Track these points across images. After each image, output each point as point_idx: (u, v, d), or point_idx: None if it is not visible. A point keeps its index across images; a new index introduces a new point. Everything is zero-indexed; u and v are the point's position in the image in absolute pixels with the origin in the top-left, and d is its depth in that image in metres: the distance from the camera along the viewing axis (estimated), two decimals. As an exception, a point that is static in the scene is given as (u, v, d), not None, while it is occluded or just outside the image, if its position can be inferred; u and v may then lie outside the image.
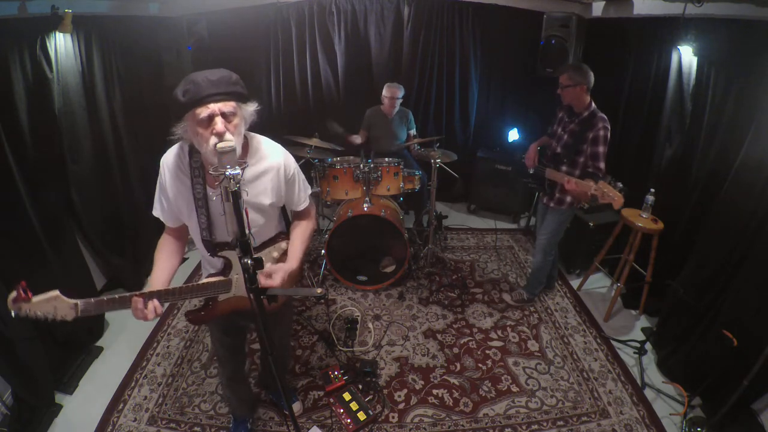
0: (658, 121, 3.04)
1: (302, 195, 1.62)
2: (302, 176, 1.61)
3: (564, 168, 2.63)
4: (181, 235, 1.56)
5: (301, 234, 1.63)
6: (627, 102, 3.47)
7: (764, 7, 2.24)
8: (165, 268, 1.47)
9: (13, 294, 1.14)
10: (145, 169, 3.20)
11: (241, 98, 1.29)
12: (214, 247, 1.45)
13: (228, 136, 1.22)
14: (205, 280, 1.44)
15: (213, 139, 1.22)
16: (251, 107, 1.34)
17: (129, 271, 3.16)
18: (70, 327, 2.48)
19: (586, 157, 2.54)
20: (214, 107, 1.21)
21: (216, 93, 1.21)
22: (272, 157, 1.48)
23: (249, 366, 2.55)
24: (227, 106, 1.24)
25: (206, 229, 1.42)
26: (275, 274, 1.43)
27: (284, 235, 1.64)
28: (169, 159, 1.42)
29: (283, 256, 1.60)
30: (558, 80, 2.58)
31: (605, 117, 2.50)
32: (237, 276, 1.48)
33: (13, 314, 1.16)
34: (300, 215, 1.68)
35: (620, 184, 2.25)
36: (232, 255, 1.45)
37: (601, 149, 2.48)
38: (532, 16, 3.97)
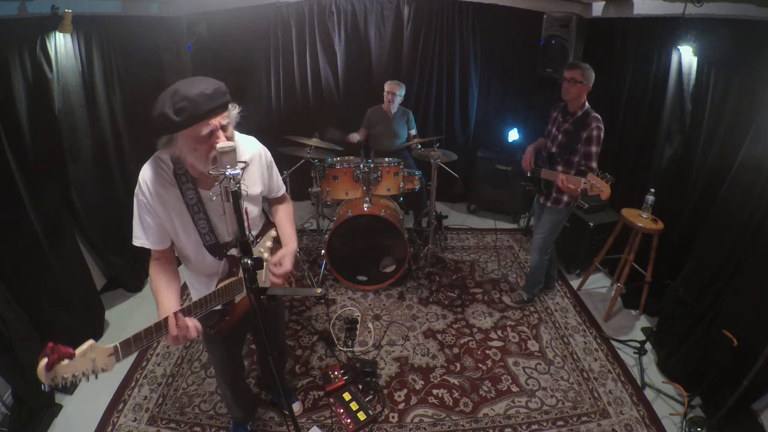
0: (658, 121, 3.04)
1: (280, 180, 1.69)
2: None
3: (560, 168, 2.64)
4: (172, 256, 1.47)
5: (286, 216, 1.72)
6: (627, 102, 3.47)
7: (764, 7, 2.24)
8: (171, 295, 1.36)
9: (44, 361, 0.91)
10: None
11: (229, 105, 1.28)
12: (221, 249, 1.43)
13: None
14: (222, 284, 1.39)
15: (213, 153, 1.21)
16: (236, 110, 1.32)
17: (129, 271, 3.17)
18: (70, 327, 2.51)
19: (581, 157, 2.56)
20: (215, 122, 1.19)
21: (215, 107, 1.18)
22: (251, 147, 1.53)
23: (248, 366, 2.56)
24: (224, 118, 1.22)
25: (209, 233, 1.40)
26: (284, 259, 1.52)
27: (271, 224, 1.71)
28: (150, 175, 1.32)
29: (276, 243, 1.66)
30: (562, 74, 2.56)
31: (599, 117, 2.51)
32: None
33: (45, 387, 0.93)
34: (279, 200, 1.74)
35: (608, 175, 2.29)
36: (235, 252, 1.44)
37: (594, 149, 2.49)
38: (532, 16, 3.98)
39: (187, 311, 1.24)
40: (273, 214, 1.75)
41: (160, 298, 1.34)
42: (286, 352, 2.40)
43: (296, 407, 2.29)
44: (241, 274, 1.44)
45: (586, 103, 2.57)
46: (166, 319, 1.18)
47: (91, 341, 1.00)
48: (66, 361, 0.95)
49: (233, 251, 1.44)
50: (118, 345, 1.05)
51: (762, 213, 2.09)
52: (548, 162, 2.72)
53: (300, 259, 3.48)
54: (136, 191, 1.34)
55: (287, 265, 1.53)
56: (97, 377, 1.01)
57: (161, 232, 1.38)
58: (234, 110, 1.30)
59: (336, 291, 3.29)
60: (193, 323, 1.23)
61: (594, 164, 2.50)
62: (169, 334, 1.19)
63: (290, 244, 1.62)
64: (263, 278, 1.58)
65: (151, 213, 1.34)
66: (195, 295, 1.60)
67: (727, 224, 2.29)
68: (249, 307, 1.53)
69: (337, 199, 3.33)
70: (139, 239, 1.38)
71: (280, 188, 1.70)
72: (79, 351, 0.97)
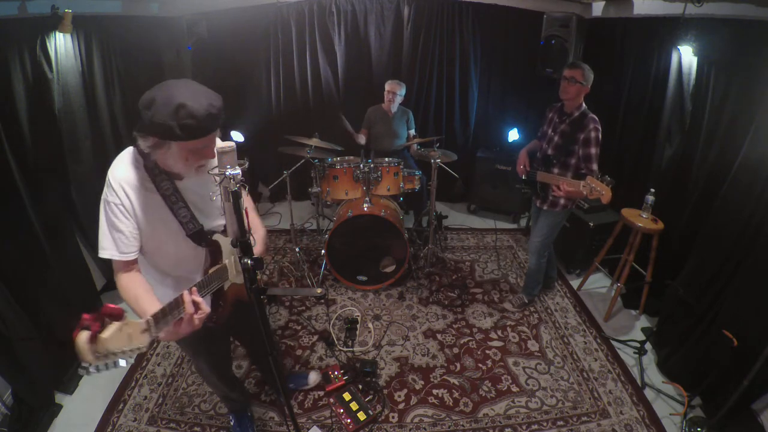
0: (658, 121, 3.04)
1: None
2: None
3: (556, 170, 2.60)
4: (138, 267, 1.39)
5: (249, 203, 1.67)
6: (627, 102, 3.47)
7: (764, 7, 2.24)
8: (155, 300, 1.26)
9: (84, 334, 0.83)
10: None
11: None
12: (205, 235, 1.40)
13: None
14: (212, 270, 1.38)
15: (200, 162, 1.25)
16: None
17: (129, 271, 3.16)
18: (70, 327, 2.51)
19: (578, 159, 2.51)
20: (208, 139, 1.22)
21: (216, 126, 1.21)
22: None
23: (248, 366, 2.56)
24: (218, 132, 1.25)
25: (191, 221, 1.37)
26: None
27: None
28: (122, 174, 1.27)
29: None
30: (562, 72, 2.52)
31: (596, 118, 2.46)
32: (227, 261, 1.45)
33: (84, 370, 0.86)
34: None
35: (608, 177, 2.25)
36: (220, 238, 1.43)
37: (593, 151, 2.44)
38: (532, 16, 3.97)
39: (197, 287, 1.21)
40: None
41: (143, 305, 1.23)
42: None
43: (313, 377, 2.42)
44: (224, 261, 1.44)
45: (584, 104, 2.53)
46: (181, 296, 1.15)
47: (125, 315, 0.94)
48: (112, 328, 0.87)
49: (218, 236, 1.43)
50: (150, 319, 1.01)
51: (762, 213, 2.09)
52: (543, 164, 2.67)
53: (300, 259, 3.48)
54: (104, 196, 1.27)
55: (260, 247, 1.53)
56: (132, 359, 0.94)
57: (135, 238, 1.32)
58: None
59: (336, 291, 3.29)
60: (200, 300, 1.19)
61: (594, 166, 2.46)
62: (185, 314, 1.15)
63: (260, 229, 1.60)
64: (233, 272, 1.51)
65: (126, 215, 1.28)
66: (163, 297, 1.54)
67: (727, 224, 2.29)
68: (237, 294, 1.54)
69: (337, 199, 3.33)
70: (107, 250, 1.29)
71: None
72: (110, 326, 0.89)
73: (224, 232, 1.47)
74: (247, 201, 1.70)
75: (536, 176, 2.67)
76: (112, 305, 0.88)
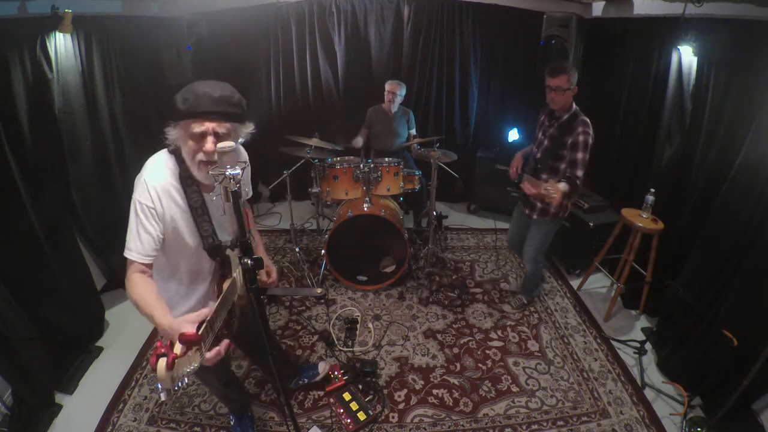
0: (658, 121, 3.04)
1: (250, 183, 1.69)
2: None
3: (544, 175, 2.49)
4: (151, 272, 1.39)
5: (252, 221, 1.77)
6: (627, 102, 3.46)
7: (764, 7, 2.24)
8: (166, 307, 1.26)
9: (163, 362, 0.86)
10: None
11: (239, 119, 1.28)
12: (221, 250, 1.43)
13: (216, 156, 1.21)
14: (225, 284, 1.35)
15: (200, 155, 1.24)
16: (248, 128, 1.33)
17: (129, 271, 3.16)
18: (70, 327, 2.51)
19: (567, 164, 2.39)
20: (209, 125, 1.21)
21: (214, 112, 1.20)
22: (243, 150, 1.55)
23: (248, 366, 2.56)
24: (222, 126, 1.23)
25: (211, 235, 1.40)
26: (270, 270, 1.63)
27: None
28: (162, 181, 1.30)
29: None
30: (545, 80, 2.38)
31: (587, 120, 2.33)
32: (235, 274, 1.44)
33: (161, 394, 0.88)
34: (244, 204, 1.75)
35: (564, 181, 2.14)
36: (230, 253, 1.44)
37: (580, 156, 2.28)
38: (532, 16, 3.97)
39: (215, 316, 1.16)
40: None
41: (158, 309, 1.23)
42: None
43: (322, 366, 2.44)
44: (234, 274, 1.42)
45: (574, 105, 2.42)
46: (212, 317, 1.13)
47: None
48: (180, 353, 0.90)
49: (228, 251, 1.44)
50: (203, 348, 1.01)
51: (762, 213, 2.09)
52: (534, 169, 2.59)
53: (300, 259, 3.48)
54: (138, 198, 1.29)
55: (274, 273, 1.63)
56: (188, 379, 0.95)
57: (159, 242, 1.33)
58: (246, 128, 1.32)
59: (336, 291, 3.29)
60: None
61: (579, 172, 2.27)
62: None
63: (260, 246, 1.73)
64: (240, 285, 1.53)
65: (156, 219, 1.31)
66: (179, 309, 1.54)
67: (727, 224, 2.29)
68: (241, 303, 1.53)
69: (337, 199, 3.33)
70: (133, 252, 1.30)
71: (249, 193, 1.69)
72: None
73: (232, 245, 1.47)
74: (249, 214, 1.75)
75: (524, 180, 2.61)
76: (189, 332, 0.92)
